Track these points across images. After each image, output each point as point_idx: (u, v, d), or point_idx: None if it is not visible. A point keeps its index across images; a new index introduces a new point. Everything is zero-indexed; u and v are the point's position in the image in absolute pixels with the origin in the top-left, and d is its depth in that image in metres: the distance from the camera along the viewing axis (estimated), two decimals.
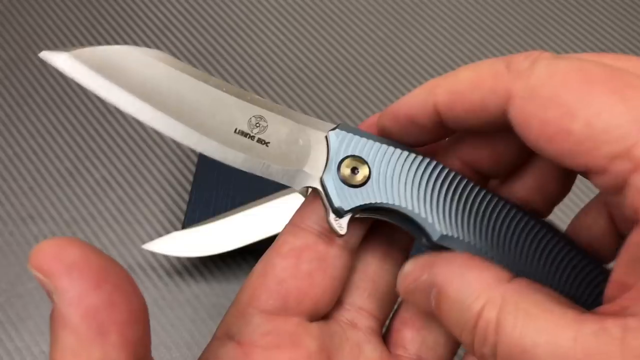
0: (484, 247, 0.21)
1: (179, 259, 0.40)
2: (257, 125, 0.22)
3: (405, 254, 0.25)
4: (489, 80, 0.19)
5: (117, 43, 0.49)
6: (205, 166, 0.41)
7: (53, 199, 0.42)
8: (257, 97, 0.22)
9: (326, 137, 0.22)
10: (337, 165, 0.22)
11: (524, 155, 0.22)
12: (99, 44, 0.49)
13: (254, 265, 0.23)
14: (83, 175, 0.43)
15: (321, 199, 0.22)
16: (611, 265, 0.19)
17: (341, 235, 0.21)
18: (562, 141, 0.17)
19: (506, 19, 0.51)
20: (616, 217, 0.21)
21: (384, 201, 0.21)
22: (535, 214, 0.22)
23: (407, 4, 0.51)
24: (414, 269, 0.21)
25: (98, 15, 0.50)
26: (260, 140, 0.22)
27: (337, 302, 0.23)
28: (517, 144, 0.20)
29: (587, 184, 0.42)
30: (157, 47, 0.49)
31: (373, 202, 0.21)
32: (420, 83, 0.47)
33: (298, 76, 0.48)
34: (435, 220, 0.21)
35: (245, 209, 0.38)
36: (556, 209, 0.23)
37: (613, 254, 0.22)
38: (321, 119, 0.46)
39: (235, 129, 0.22)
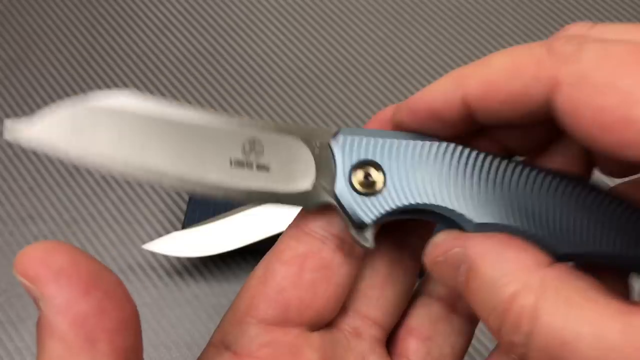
0: (526, 227, 0.19)
1: (179, 259, 0.40)
2: (253, 149, 0.20)
3: (417, 261, 0.23)
4: (529, 67, 0.17)
5: (117, 43, 0.49)
6: None
7: (53, 199, 0.42)
8: (244, 119, 0.21)
9: (328, 146, 0.20)
10: (347, 175, 0.20)
11: (554, 133, 0.20)
12: (99, 44, 0.49)
13: (254, 265, 0.23)
14: (83, 175, 0.43)
15: (338, 213, 0.20)
16: None
17: (370, 249, 0.20)
18: (622, 130, 0.15)
19: (506, 19, 0.51)
20: None
21: (407, 202, 0.20)
22: (579, 178, 0.20)
23: (407, 3, 0.51)
24: (446, 240, 0.19)
25: (98, 15, 0.50)
26: (260, 167, 0.20)
27: (342, 309, 0.22)
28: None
29: None
30: (157, 47, 0.49)
31: (395, 207, 0.20)
32: (420, 83, 0.47)
33: (298, 76, 0.48)
34: (467, 209, 0.19)
35: (245, 209, 0.38)
36: None
37: None
38: (321, 119, 0.46)
39: (231, 161, 0.20)
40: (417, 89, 0.47)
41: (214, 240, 0.38)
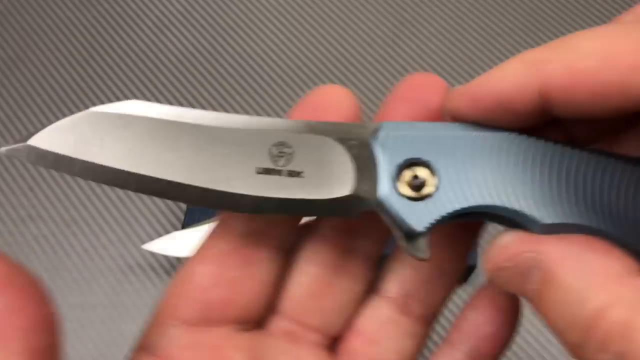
0: (603, 227, 0.16)
1: (179, 259, 0.40)
2: (281, 154, 0.18)
3: (370, 266, 0.21)
4: (628, 53, 0.15)
5: (116, 43, 0.49)
6: None
7: (53, 199, 0.42)
8: (269, 119, 0.18)
9: (366, 145, 0.18)
10: (392, 178, 0.17)
11: (629, 123, 0.18)
12: (98, 43, 0.49)
13: None
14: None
15: (384, 221, 0.18)
16: None
17: (425, 260, 0.17)
18: None
19: (506, 18, 0.51)
20: None
21: (464, 205, 0.17)
22: None
23: (407, 3, 0.51)
24: (515, 243, 0.17)
25: (97, 15, 0.50)
26: (291, 173, 0.18)
27: (275, 310, 0.21)
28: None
29: None
30: (157, 47, 0.49)
31: (451, 211, 0.17)
32: None
33: (297, 75, 0.48)
34: (533, 208, 0.17)
35: None
36: None
37: None
38: None
39: (257, 169, 0.17)
40: None
41: None
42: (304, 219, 0.21)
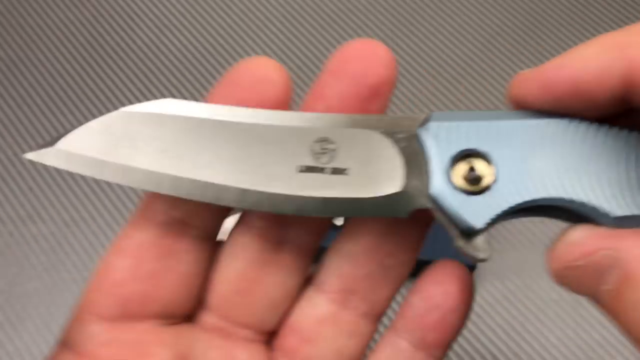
0: None
1: None
2: (324, 151, 0.17)
3: (305, 259, 0.20)
4: None
5: (116, 43, 0.49)
6: None
7: (52, 199, 0.42)
8: (308, 114, 0.17)
9: (415, 137, 0.17)
10: (445, 171, 0.16)
11: None
12: (98, 43, 0.49)
13: None
14: (83, 175, 0.43)
15: (438, 219, 0.17)
16: None
17: (483, 260, 0.16)
18: None
19: (507, 18, 0.51)
20: None
21: (526, 198, 0.16)
22: None
23: (408, 3, 0.51)
24: (589, 239, 0.15)
25: (98, 15, 0.50)
26: (334, 170, 0.16)
27: (203, 304, 0.20)
28: None
29: None
30: (157, 47, 0.49)
31: (512, 205, 0.16)
32: (420, 82, 0.47)
33: (298, 75, 0.48)
34: (603, 200, 0.15)
35: None
36: None
37: None
38: None
39: (298, 167, 0.17)
40: (417, 88, 0.47)
41: None
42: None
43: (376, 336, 0.21)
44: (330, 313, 0.20)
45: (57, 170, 0.43)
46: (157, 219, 0.18)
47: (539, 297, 0.39)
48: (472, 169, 0.16)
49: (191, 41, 0.49)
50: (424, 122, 0.17)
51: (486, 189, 0.16)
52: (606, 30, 0.50)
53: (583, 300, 0.38)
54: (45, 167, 0.43)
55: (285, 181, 0.17)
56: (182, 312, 0.19)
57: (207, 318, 0.20)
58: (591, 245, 0.15)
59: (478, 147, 0.16)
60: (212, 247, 0.19)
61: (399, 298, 0.20)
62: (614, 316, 0.15)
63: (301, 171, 0.17)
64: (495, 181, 0.16)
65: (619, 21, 0.50)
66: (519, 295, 0.39)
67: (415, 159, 0.16)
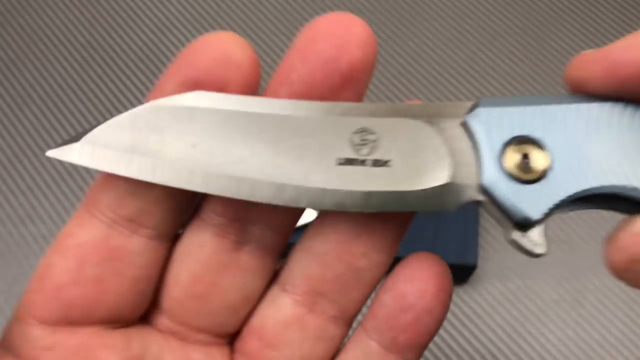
0: None
1: None
2: (364, 142, 0.16)
3: (269, 259, 0.18)
4: None
5: (116, 43, 0.49)
6: None
7: (52, 199, 0.42)
8: (346, 104, 0.16)
9: (463, 125, 0.16)
10: (497, 160, 0.15)
11: None
12: (98, 43, 0.49)
13: None
14: (82, 175, 0.43)
15: (489, 212, 0.16)
16: None
17: (540, 255, 0.15)
18: None
19: (507, 18, 0.51)
20: None
21: (586, 187, 0.15)
22: None
23: (408, 3, 0.51)
24: None
25: (98, 15, 0.50)
26: (376, 162, 0.16)
27: (158, 307, 0.18)
28: None
29: None
30: (157, 47, 0.49)
31: (570, 193, 0.15)
32: (420, 82, 0.47)
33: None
34: None
35: None
36: None
37: None
38: None
39: (337, 159, 0.16)
40: (417, 88, 0.47)
41: None
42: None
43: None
44: (296, 317, 0.18)
45: (57, 170, 0.43)
46: (103, 217, 0.17)
47: (539, 297, 0.39)
48: (525, 157, 0.15)
49: (191, 41, 0.49)
50: (472, 109, 0.16)
51: (541, 177, 0.15)
52: (608, 30, 0.50)
53: (583, 301, 0.38)
54: (44, 167, 0.43)
55: (324, 175, 0.16)
56: (133, 317, 0.18)
57: (162, 320, 0.18)
58: None
59: (531, 134, 0.15)
60: (168, 247, 0.18)
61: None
62: None
63: (340, 164, 0.16)
64: (550, 169, 0.15)
65: (620, 21, 0.50)
66: (519, 295, 0.39)
67: (463, 148, 0.16)
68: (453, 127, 0.16)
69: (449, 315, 0.38)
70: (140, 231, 0.17)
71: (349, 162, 0.16)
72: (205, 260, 0.18)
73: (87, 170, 0.43)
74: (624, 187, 0.15)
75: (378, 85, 0.47)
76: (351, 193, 0.15)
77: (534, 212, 0.15)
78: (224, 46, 0.16)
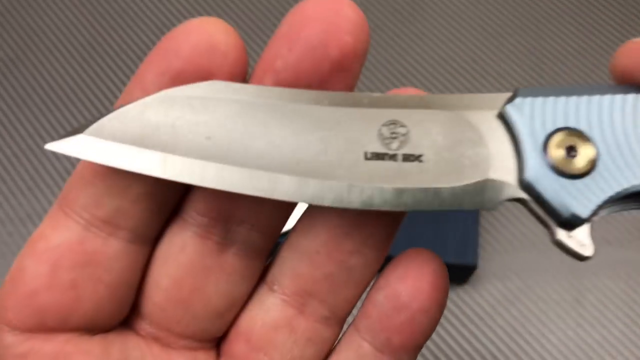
0: None
1: None
2: (394, 135, 0.15)
3: (256, 261, 0.17)
4: None
5: (116, 43, 0.49)
6: None
7: (52, 199, 0.42)
8: (375, 94, 0.15)
9: (501, 116, 0.15)
10: (541, 153, 0.14)
11: None
12: (98, 43, 0.48)
13: None
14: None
15: (531, 211, 0.15)
16: None
17: (588, 258, 0.14)
18: None
19: (507, 18, 0.50)
20: None
21: (634, 183, 0.14)
22: None
23: (407, 2, 0.51)
24: None
25: (98, 14, 0.50)
26: (407, 157, 0.14)
27: (138, 312, 0.17)
28: None
29: None
30: None
31: (619, 189, 0.14)
32: (421, 82, 0.47)
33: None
34: None
35: None
36: None
37: None
38: None
39: (365, 154, 0.14)
40: (416, 87, 0.47)
41: None
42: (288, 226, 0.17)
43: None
44: (285, 318, 0.17)
45: (57, 170, 0.43)
46: (79, 218, 0.16)
47: (540, 298, 0.39)
48: (571, 149, 0.14)
49: None
50: (510, 100, 0.15)
51: (588, 171, 0.14)
52: (608, 30, 0.50)
53: (583, 301, 0.38)
54: (44, 167, 0.43)
55: (351, 170, 0.14)
56: (112, 323, 0.17)
57: (143, 326, 0.17)
58: None
59: (576, 125, 0.14)
60: (148, 250, 0.17)
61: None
62: None
63: (368, 158, 0.14)
64: (597, 162, 0.14)
65: (620, 20, 0.50)
66: (519, 295, 0.39)
67: (501, 141, 0.14)
68: (488, 119, 0.15)
69: (448, 315, 0.38)
70: (118, 234, 0.16)
71: (378, 156, 0.14)
72: (186, 264, 0.16)
73: None
74: None
75: (379, 85, 0.47)
76: (381, 190, 0.14)
77: (582, 208, 0.14)
78: (207, 32, 0.15)
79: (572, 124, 0.14)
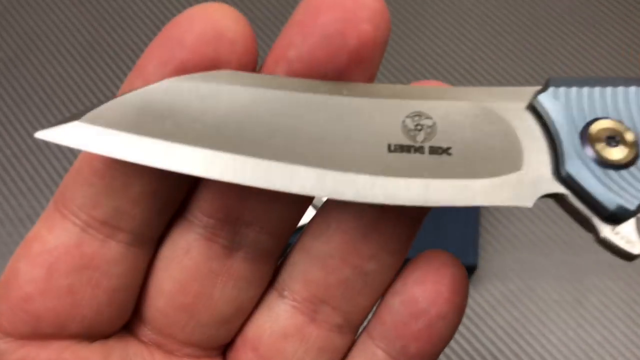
0: None
1: None
2: (419, 127, 0.14)
3: (266, 265, 0.16)
4: None
5: (116, 43, 0.49)
6: None
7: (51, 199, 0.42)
8: (398, 85, 0.14)
9: (532, 107, 0.14)
10: (579, 144, 0.13)
11: None
12: (98, 43, 0.48)
13: None
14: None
15: (569, 208, 0.14)
16: None
17: (636, 256, 0.13)
18: None
19: (507, 17, 0.50)
20: None
21: None
22: None
23: (408, 2, 0.51)
24: None
25: (98, 14, 0.50)
26: (434, 150, 0.14)
27: (140, 317, 0.16)
28: None
29: None
30: None
31: None
32: (419, 80, 0.47)
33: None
34: None
35: None
36: None
37: None
38: None
39: (389, 146, 0.14)
40: None
41: None
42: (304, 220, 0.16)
43: None
44: (295, 326, 0.16)
45: (57, 170, 0.43)
46: (76, 219, 0.15)
47: (540, 298, 0.38)
48: (612, 139, 0.13)
49: None
50: (543, 90, 0.14)
51: (633, 160, 0.13)
52: (608, 29, 0.50)
53: (584, 301, 0.38)
54: (44, 167, 0.43)
55: (373, 163, 0.13)
56: (111, 330, 0.16)
57: (145, 332, 0.16)
58: None
59: (615, 114, 0.14)
60: (150, 252, 0.16)
61: None
62: None
63: (392, 151, 0.14)
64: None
65: (620, 20, 0.50)
66: (519, 295, 0.39)
67: (533, 134, 0.14)
68: (518, 111, 0.14)
69: None
70: (118, 236, 0.15)
71: (403, 149, 0.14)
72: (191, 268, 0.15)
73: None
74: None
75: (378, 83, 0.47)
76: (407, 184, 0.13)
77: (629, 200, 0.13)
78: (213, 19, 0.14)
79: (611, 113, 0.14)
